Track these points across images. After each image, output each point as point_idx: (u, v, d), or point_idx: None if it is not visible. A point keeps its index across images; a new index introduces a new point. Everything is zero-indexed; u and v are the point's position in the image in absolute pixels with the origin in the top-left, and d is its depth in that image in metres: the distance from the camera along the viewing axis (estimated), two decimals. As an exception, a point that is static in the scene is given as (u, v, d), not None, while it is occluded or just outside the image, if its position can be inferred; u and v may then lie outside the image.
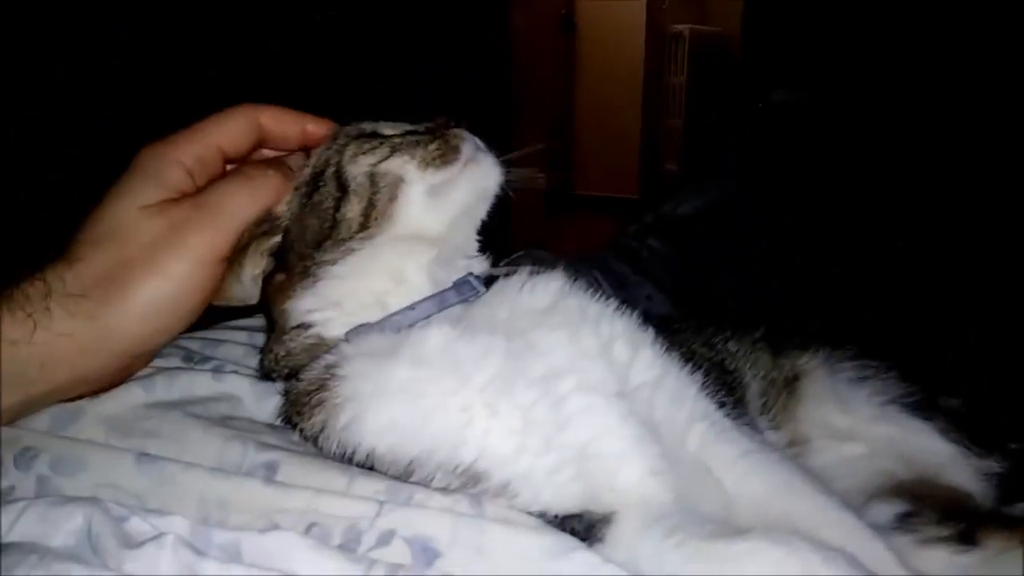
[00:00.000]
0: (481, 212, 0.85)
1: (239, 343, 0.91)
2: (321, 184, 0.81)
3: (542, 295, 0.81)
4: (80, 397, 0.75)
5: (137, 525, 0.62)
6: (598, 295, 0.84)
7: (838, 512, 0.76)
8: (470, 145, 0.82)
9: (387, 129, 0.85)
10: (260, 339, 0.93)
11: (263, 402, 0.84)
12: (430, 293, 0.78)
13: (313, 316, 0.79)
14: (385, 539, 0.64)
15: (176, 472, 0.68)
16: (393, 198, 0.78)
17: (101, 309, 0.70)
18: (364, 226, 0.78)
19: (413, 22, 2.33)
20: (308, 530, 0.65)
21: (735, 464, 0.79)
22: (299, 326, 0.79)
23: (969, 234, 1.52)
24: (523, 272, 0.83)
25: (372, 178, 0.79)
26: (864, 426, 0.97)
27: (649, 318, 0.86)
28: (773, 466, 0.79)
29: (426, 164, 0.79)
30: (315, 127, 0.87)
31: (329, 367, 0.74)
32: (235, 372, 0.86)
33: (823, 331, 1.09)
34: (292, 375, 0.78)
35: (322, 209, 0.80)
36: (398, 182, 0.79)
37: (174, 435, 0.74)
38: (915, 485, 0.90)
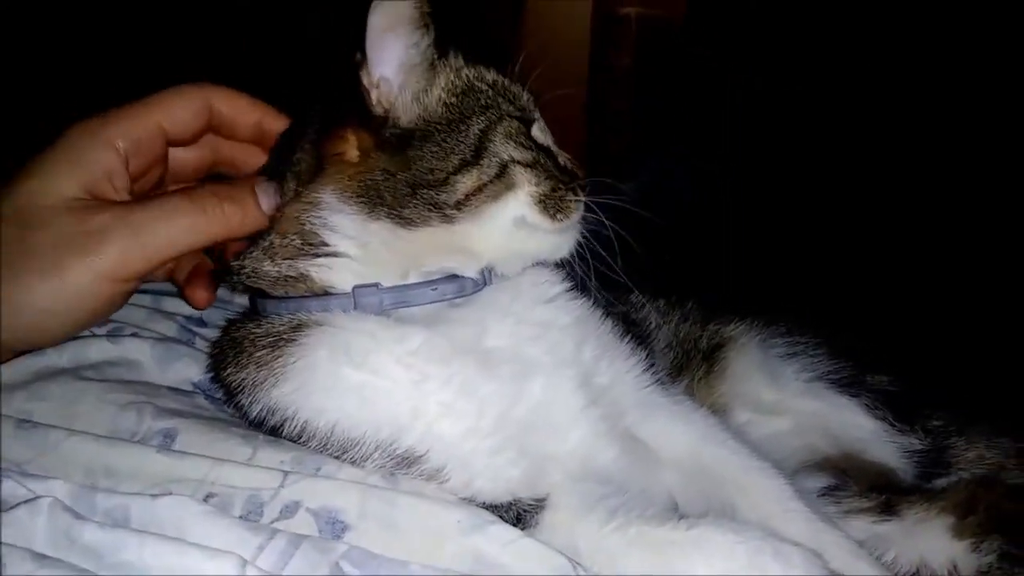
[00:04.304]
0: (529, 263, 0.80)
1: (141, 306, 0.85)
2: (464, 131, 0.73)
3: (537, 296, 0.80)
4: None
5: (12, 488, 0.57)
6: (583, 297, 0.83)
7: (757, 460, 0.77)
8: (576, 217, 0.78)
9: (537, 130, 0.81)
10: (166, 303, 0.87)
11: (165, 367, 0.79)
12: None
13: (338, 240, 0.72)
14: (289, 511, 0.61)
15: (60, 439, 0.63)
16: (495, 198, 0.72)
17: None
18: (460, 205, 0.71)
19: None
20: (206, 501, 0.60)
21: (663, 425, 0.80)
22: (312, 233, 0.72)
23: (915, 217, 1.53)
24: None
25: (502, 168, 0.73)
26: (791, 401, 0.97)
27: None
28: (695, 419, 0.81)
29: (538, 201, 0.74)
30: (273, 123, 0.79)
31: (296, 327, 0.70)
32: (135, 335, 0.80)
33: (756, 304, 1.08)
34: (247, 291, 0.76)
35: (446, 158, 0.72)
36: (509, 189, 0.73)
37: (62, 401, 0.69)
38: (840, 460, 0.91)
